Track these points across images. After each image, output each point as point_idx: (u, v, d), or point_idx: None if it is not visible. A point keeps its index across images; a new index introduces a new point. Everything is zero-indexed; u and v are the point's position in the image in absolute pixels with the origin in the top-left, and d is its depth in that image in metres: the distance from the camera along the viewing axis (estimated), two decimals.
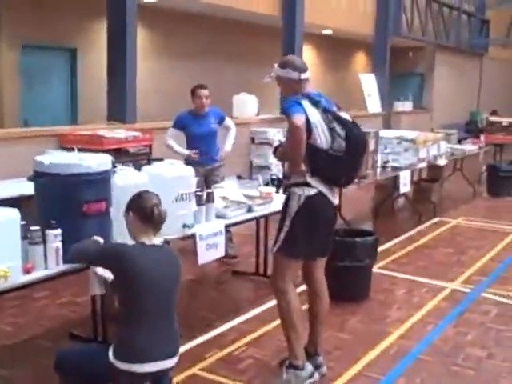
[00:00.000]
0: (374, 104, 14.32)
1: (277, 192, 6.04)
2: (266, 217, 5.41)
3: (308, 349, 3.99)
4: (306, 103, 3.69)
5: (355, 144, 3.72)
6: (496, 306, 5.31)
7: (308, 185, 3.73)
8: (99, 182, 3.56)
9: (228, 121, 6.47)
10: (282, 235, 3.79)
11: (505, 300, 5.46)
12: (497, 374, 4.11)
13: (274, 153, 4.14)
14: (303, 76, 3.84)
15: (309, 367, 3.82)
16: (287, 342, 3.85)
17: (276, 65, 3.95)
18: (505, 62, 22.46)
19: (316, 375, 3.84)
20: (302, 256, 3.83)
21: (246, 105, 10.60)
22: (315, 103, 3.72)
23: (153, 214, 3.13)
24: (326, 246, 3.95)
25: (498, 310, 5.21)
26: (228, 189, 5.40)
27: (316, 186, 3.73)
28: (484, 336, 4.70)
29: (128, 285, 3.03)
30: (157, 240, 3.17)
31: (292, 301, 3.80)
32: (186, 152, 6.10)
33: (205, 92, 6.15)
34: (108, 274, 3.32)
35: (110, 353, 3.02)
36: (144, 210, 3.14)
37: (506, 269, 6.38)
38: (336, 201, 3.90)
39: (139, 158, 7.00)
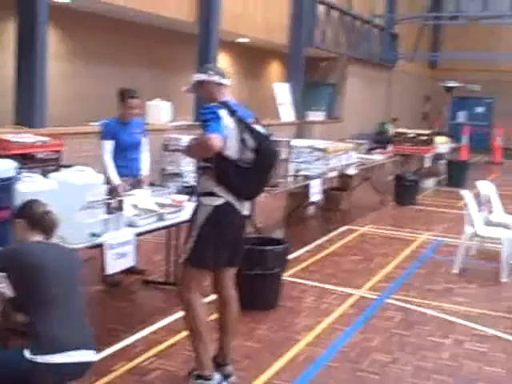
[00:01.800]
0: (287, 113, 14.52)
1: (189, 200, 6.01)
2: (178, 225, 5.37)
3: (217, 358, 3.99)
4: (223, 113, 3.69)
5: (264, 157, 3.76)
6: (399, 312, 5.50)
7: (215, 195, 3.74)
8: (1, 189, 3.45)
9: (144, 141, 6.09)
10: (190, 245, 3.79)
11: (408, 305, 5.67)
12: (400, 377, 4.26)
13: (185, 150, 4.13)
14: (224, 81, 3.90)
15: (217, 377, 3.82)
16: (194, 352, 3.84)
17: (194, 74, 3.97)
18: (411, 75, 23.36)
19: None
20: (209, 266, 3.83)
21: (160, 111, 10.49)
22: (232, 112, 3.74)
23: (43, 219, 3.17)
24: (235, 256, 3.96)
25: (402, 316, 5.41)
26: (139, 197, 5.33)
27: (223, 196, 3.74)
28: (388, 341, 4.86)
29: (27, 277, 3.06)
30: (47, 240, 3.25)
31: (199, 311, 3.80)
32: (118, 182, 5.54)
33: (137, 102, 5.81)
34: (5, 290, 3.24)
35: (27, 352, 2.97)
36: (34, 217, 3.20)
37: (409, 276, 6.63)
38: (245, 211, 3.92)
39: (48, 165, 6.77)
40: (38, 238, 3.20)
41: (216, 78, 3.88)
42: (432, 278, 6.56)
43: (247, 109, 3.95)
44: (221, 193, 3.74)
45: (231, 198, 3.76)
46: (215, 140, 3.56)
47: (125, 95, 5.76)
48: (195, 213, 3.82)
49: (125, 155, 5.80)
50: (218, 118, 3.64)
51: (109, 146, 5.73)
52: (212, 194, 3.75)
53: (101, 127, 5.88)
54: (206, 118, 3.66)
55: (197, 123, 10.69)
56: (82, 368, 3.12)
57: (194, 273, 3.81)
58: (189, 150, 4.00)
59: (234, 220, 3.85)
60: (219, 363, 3.98)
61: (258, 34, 14.09)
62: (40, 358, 2.96)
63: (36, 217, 3.20)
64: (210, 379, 3.78)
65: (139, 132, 5.96)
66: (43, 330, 3.02)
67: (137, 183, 5.83)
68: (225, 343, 4.04)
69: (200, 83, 3.91)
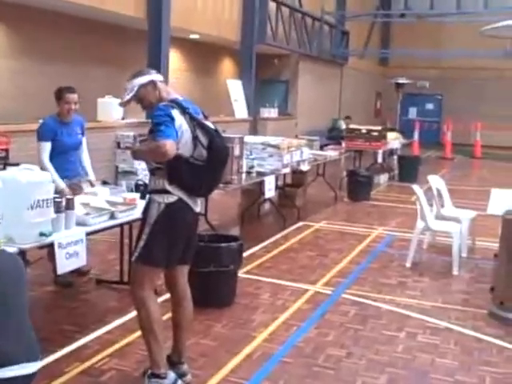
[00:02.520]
0: (240, 110, 14.51)
1: (142, 198, 5.92)
2: (130, 223, 5.30)
3: (172, 357, 3.95)
4: (175, 113, 3.63)
5: (217, 154, 3.72)
6: (354, 306, 5.54)
7: (168, 192, 3.69)
8: None
9: (84, 140, 5.85)
10: (141, 243, 3.73)
11: (362, 300, 5.72)
12: (355, 371, 4.28)
13: (133, 153, 4.02)
14: (155, 77, 3.81)
15: (171, 375, 3.78)
16: (148, 350, 3.79)
17: (131, 80, 3.80)
18: (362, 72, 23.65)
19: (180, 383, 3.80)
20: (161, 264, 3.78)
21: (111, 108, 10.31)
22: (183, 110, 3.68)
23: None
24: (188, 253, 3.92)
25: (356, 310, 5.45)
26: (91, 195, 5.23)
27: (175, 193, 3.69)
28: (343, 336, 4.88)
29: None
30: None
31: (152, 309, 3.74)
32: (63, 186, 5.36)
33: (74, 97, 5.53)
34: None
35: None
36: None
37: (363, 270, 6.69)
38: (198, 208, 3.88)
39: None
40: None
41: (158, 77, 3.81)
42: (385, 272, 6.63)
43: (196, 105, 3.89)
44: (173, 190, 3.69)
45: (184, 195, 3.72)
46: (169, 147, 3.49)
47: (62, 91, 5.52)
48: (147, 210, 3.76)
49: (65, 157, 5.56)
50: (171, 121, 3.56)
51: (48, 147, 5.44)
52: (164, 192, 3.69)
53: (39, 127, 5.58)
54: (158, 120, 3.57)
55: (148, 120, 10.59)
56: (25, 381, 3.03)
57: (146, 271, 3.75)
58: (139, 155, 3.89)
59: (187, 217, 3.81)
60: (174, 362, 3.94)
61: (209, 31, 14.02)
62: None
63: None
64: (164, 377, 3.73)
65: (80, 132, 5.74)
66: None
67: (78, 186, 5.63)
68: (179, 341, 4.00)
69: (145, 86, 3.77)
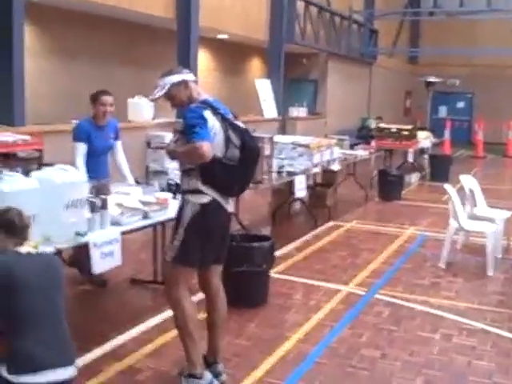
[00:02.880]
0: (269, 109, 14.50)
1: (174, 198, 5.94)
2: (163, 223, 5.32)
3: (207, 357, 3.95)
4: (208, 114, 3.62)
5: (249, 154, 3.72)
6: (388, 307, 5.49)
7: (201, 192, 3.69)
8: None
9: (119, 144, 5.85)
10: (176, 243, 3.74)
11: (395, 301, 5.66)
12: (390, 373, 4.23)
13: (170, 153, 3.99)
14: (187, 77, 3.80)
15: (208, 376, 3.78)
16: (184, 350, 3.80)
17: (164, 77, 3.79)
18: (391, 70, 23.45)
19: (215, 383, 3.80)
20: (195, 264, 3.79)
21: (141, 108, 10.38)
22: (215, 111, 3.68)
23: (16, 227, 3.05)
24: (221, 253, 3.92)
25: (390, 311, 5.39)
26: (125, 195, 5.26)
27: (209, 194, 3.69)
28: (377, 337, 4.83)
29: (6, 295, 2.94)
30: (29, 249, 3.10)
31: (187, 309, 3.75)
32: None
33: (109, 99, 5.50)
34: None
35: (3, 370, 2.89)
36: (11, 226, 3.06)
37: (396, 271, 6.62)
38: (230, 208, 3.89)
39: (29, 163, 6.67)
40: (16, 245, 3.06)
41: (191, 77, 3.80)
42: (419, 273, 6.56)
43: (226, 105, 3.88)
44: (206, 190, 3.69)
45: (217, 195, 3.72)
46: (206, 149, 3.50)
47: (97, 94, 5.52)
48: (181, 210, 3.77)
49: (96, 160, 5.54)
50: (204, 123, 3.56)
51: (82, 148, 5.44)
52: (197, 192, 3.70)
53: (74, 128, 5.60)
54: (192, 122, 3.57)
55: (178, 120, 10.62)
56: None
57: (181, 271, 3.76)
58: (175, 156, 3.85)
59: (220, 217, 3.81)
60: (209, 362, 3.93)
61: (238, 30, 14.03)
62: (15, 378, 2.89)
63: (14, 225, 3.07)
64: (200, 378, 3.73)
65: (113, 137, 5.72)
66: (20, 349, 2.93)
67: (104, 187, 5.53)
68: (214, 341, 3.99)
69: (176, 85, 3.76)
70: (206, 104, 3.69)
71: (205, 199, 3.69)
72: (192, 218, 3.69)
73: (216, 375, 3.86)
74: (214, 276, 3.96)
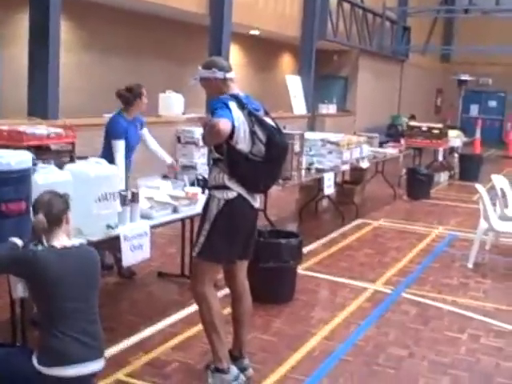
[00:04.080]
0: (299, 106, 14.48)
1: (203, 192, 5.98)
2: (192, 218, 5.36)
3: (233, 352, 3.98)
4: (233, 105, 3.66)
5: (275, 150, 3.71)
6: (415, 306, 5.46)
7: (227, 188, 3.71)
8: (19, 180, 3.43)
9: (146, 132, 5.78)
10: (202, 239, 3.76)
11: (423, 300, 5.63)
12: (416, 372, 4.22)
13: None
14: (228, 75, 3.82)
15: (234, 370, 3.80)
16: (210, 345, 3.83)
17: (200, 67, 3.89)
18: (423, 68, 23.22)
19: (242, 378, 3.83)
20: (221, 259, 3.81)
21: (172, 103, 10.47)
22: (242, 105, 3.70)
23: (62, 217, 3.07)
24: (247, 248, 3.93)
25: (417, 310, 5.37)
26: (155, 189, 5.32)
27: (235, 189, 3.71)
28: (404, 336, 4.82)
29: (42, 291, 3.01)
30: (67, 241, 3.09)
31: (213, 304, 3.77)
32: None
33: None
34: (19, 292, 3.23)
35: (34, 359, 2.96)
36: (53, 216, 3.08)
37: (424, 270, 6.58)
38: (257, 204, 3.89)
39: (62, 156, 6.77)
40: (57, 235, 3.10)
41: (220, 75, 3.79)
42: (447, 273, 6.52)
43: (257, 101, 3.90)
44: (233, 186, 3.70)
45: (243, 191, 3.73)
46: (222, 124, 3.52)
47: (139, 87, 5.45)
48: (207, 206, 3.79)
49: (127, 154, 5.47)
50: (226, 107, 3.61)
51: (122, 145, 5.36)
52: (224, 187, 3.71)
53: (112, 124, 5.45)
54: (214, 107, 3.65)
55: (209, 115, 10.67)
56: (88, 378, 3.10)
57: (207, 266, 3.78)
58: (203, 138, 3.91)
59: (246, 213, 3.82)
60: (235, 356, 3.96)
61: (270, 26, 14.04)
62: (46, 370, 2.96)
63: (56, 216, 3.10)
64: (227, 372, 3.76)
65: (140, 129, 5.70)
66: (52, 343, 2.99)
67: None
68: (240, 336, 4.02)
69: (205, 80, 3.84)
70: (234, 97, 3.72)
71: (230, 195, 3.70)
72: (217, 214, 3.71)
73: (242, 370, 3.89)
74: (240, 271, 3.98)
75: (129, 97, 5.45)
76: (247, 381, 3.89)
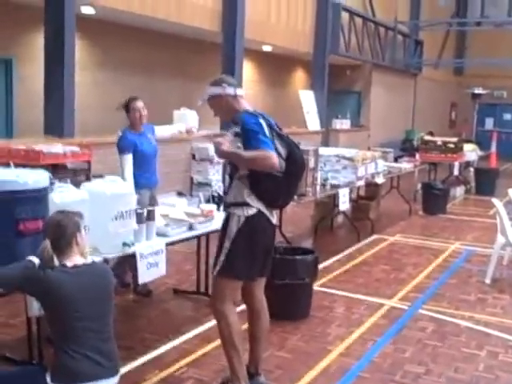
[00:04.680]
0: (313, 121, 14.50)
1: (218, 209, 6.00)
2: (208, 235, 5.38)
3: (249, 368, 3.96)
4: (262, 121, 3.64)
5: (295, 165, 3.72)
6: (432, 323, 5.42)
7: (247, 204, 3.70)
8: (36, 199, 3.46)
9: (157, 129, 5.90)
10: (222, 257, 3.74)
11: (440, 316, 5.59)
12: None
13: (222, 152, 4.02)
14: (239, 92, 3.81)
15: None
16: (229, 363, 3.81)
17: (208, 85, 3.86)
18: (437, 82, 23.19)
19: None
20: (242, 276, 3.80)
21: (186, 120, 10.48)
22: (265, 120, 3.69)
23: (71, 239, 3.08)
24: (266, 265, 3.92)
25: (434, 327, 5.33)
26: (171, 206, 5.34)
27: (255, 205, 3.70)
28: (421, 352, 4.78)
29: (54, 310, 3.01)
30: (80, 260, 3.10)
31: (233, 322, 3.77)
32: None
33: (140, 104, 5.56)
34: (34, 310, 3.24)
35: (48, 377, 2.97)
36: (62, 240, 3.07)
37: (441, 286, 6.54)
38: (274, 219, 3.89)
39: (78, 174, 6.83)
40: (69, 256, 3.10)
41: (231, 91, 3.78)
42: (464, 288, 6.46)
43: (271, 117, 3.88)
44: (252, 202, 3.70)
45: (262, 207, 3.72)
46: (276, 159, 3.53)
47: (128, 102, 5.59)
48: (226, 223, 3.77)
49: (146, 166, 5.57)
50: (264, 131, 3.57)
51: (130, 159, 5.45)
52: (244, 204, 3.70)
53: (118, 140, 5.59)
54: (253, 128, 3.58)
55: (224, 133, 10.71)
56: None
57: (227, 284, 3.78)
58: (233, 157, 3.72)
59: (267, 229, 3.81)
60: (251, 373, 3.95)
61: (282, 42, 14.12)
62: None
63: (67, 240, 3.10)
64: None
65: (153, 138, 5.76)
66: (65, 361, 2.99)
67: (152, 199, 5.64)
68: (256, 353, 4.01)
69: (215, 97, 3.81)
70: (259, 114, 3.70)
71: (250, 211, 3.69)
72: (238, 231, 3.70)
73: None
74: (258, 288, 3.97)
75: (126, 111, 5.62)
76: None
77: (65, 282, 2.98)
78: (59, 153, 6.76)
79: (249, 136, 3.59)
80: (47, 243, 3.08)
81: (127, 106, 5.60)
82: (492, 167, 16.04)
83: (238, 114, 3.74)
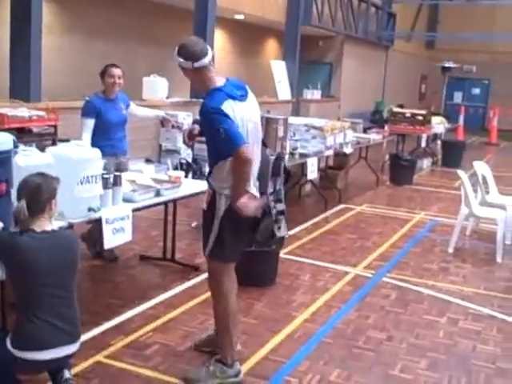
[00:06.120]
0: (283, 91, 14.47)
1: (186, 176, 6.00)
2: (175, 201, 5.38)
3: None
4: (229, 105, 3.43)
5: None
6: (395, 290, 5.52)
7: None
8: None
9: (133, 106, 5.91)
10: (212, 238, 3.63)
11: (403, 284, 5.70)
12: (395, 354, 4.28)
13: (187, 138, 4.03)
14: (197, 64, 3.50)
15: (237, 367, 3.76)
16: (219, 342, 3.78)
17: (175, 55, 3.59)
18: (408, 54, 23.26)
19: (241, 377, 3.76)
20: (234, 258, 3.74)
21: (156, 87, 10.43)
22: (233, 98, 3.49)
23: (46, 204, 3.05)
24: (250, 243, 3.89)
25: (397, 294, 5.43)
26: (138, 172, 5.31)
27: None
28: (384, 319, 4.88)
29: (19, 274, 3.00)
30: (48, 225, 3.08)
31: (229, 304, 3.71)
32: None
33: (118, 71, 5.51)
34: None
35: (8, 341, 2.96)
36: (37, 203, 3.06)
37: (405, 255, 6.65)
38: (255, 192, 3.75)
39: (44, 139, 6.74)
40: (39, 220, 3.08)
41: (189, 65, 3.51)
42: (427, 257, 6.59)
43: (241, 82, 3.71)
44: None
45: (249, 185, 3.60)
46: (247, 154, 3.37)
47: (105, 67, 5.55)
48: (212, 203, 3.61)
49: (109, 134, 5.50)
50: (228, 119, 3.37)
51: (90, 124, 5.39)
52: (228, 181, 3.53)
53: (84, 104, 5.53)
54: (211, 111, 3.40)
55: (193, 100, 10.64)
56: (62, 361, 3.11)
57: (221, 265, 3.70)
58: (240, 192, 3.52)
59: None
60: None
61: (254, 11, 13.96)
62: (17, 353, 2.97)
63: (42, 203, 3.08)
64: (229, 367, 3.72)
65: (125, 108, 5.71)
66: (26, 327, 3.00)
67: (122, 164, 5.56)
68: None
69: (180, 66, 3.59)
70: (226, 94, 3.48)
71: None
72: (226, 211, 3.57)
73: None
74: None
75: (101, 77, 5.57)
76: None
77: (32, 248, 2.97)
78: (24, 116, 6.66)
79: (215, 129, 3.40)
80: (23, 204, 3.04)
81: (103, 70, 5.55)
82: (459, 140, 16.24)
83: (208, 90, 3.53)
